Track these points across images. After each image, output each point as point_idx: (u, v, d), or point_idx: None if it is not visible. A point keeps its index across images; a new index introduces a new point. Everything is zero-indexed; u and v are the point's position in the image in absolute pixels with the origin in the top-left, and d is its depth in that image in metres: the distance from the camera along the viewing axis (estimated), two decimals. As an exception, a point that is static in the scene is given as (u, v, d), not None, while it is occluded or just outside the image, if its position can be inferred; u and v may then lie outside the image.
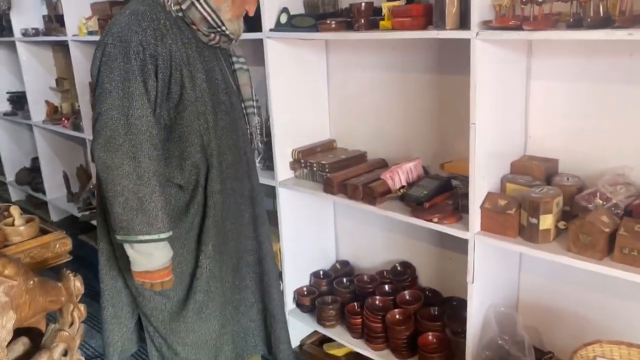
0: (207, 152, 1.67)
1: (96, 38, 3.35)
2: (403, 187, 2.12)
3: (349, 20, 2.14)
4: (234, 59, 1.82)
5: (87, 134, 3.74)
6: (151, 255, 1.55)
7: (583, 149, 1.88)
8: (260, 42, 2.33)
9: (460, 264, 2.05)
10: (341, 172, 2.32)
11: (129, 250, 1.56)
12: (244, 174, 1.82)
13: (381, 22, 1.94)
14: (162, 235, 1.55)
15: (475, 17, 1.67)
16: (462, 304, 2.06)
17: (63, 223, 4.43)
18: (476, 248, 1.86)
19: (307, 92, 2.52)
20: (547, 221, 1.70)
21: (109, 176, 1.48)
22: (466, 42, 1.69)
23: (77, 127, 3.81)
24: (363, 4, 2.02)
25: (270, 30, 2.30)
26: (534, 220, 1.71)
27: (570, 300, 2.00)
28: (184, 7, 1.59)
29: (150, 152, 1.52)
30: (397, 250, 2.57)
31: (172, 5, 1.60)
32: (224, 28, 1.65)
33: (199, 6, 1.60)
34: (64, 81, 4.22)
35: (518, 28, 1.58)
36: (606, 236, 1.58)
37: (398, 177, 2.14)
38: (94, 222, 3.91)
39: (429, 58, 2.22)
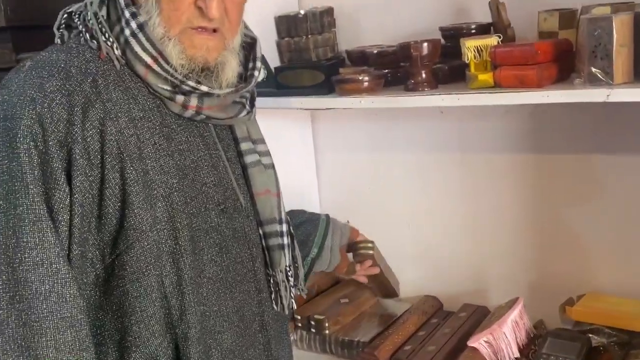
0: (176, 332, 1.17)
1: None
2: (518, 360, 1.54)
3: (386, 73, 1.65)
4: (245, 145, 1.30)
5: None
6: None
7: None
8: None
9: None
10: (382, 337, 1.71)
11: None
12: None
13: (479, 76, 1.41)
14: None
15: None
16: None
17: None
18: None
19: (288, 191, 1.91)
20: None
21: None
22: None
23: None
24: (426, 44, 1.50)
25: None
26: None
27: None
28: (124, 48, 1.14)
29: (60, 335, 1.08)
30: None
31: (113, 47, 1.14)
32: (179, 76, 1.13)
33: (135, 44, 1.12)
34: None
35: None
36: None
37: (505, 342, 1.55)
38: None
39: (513, 127, 1.74)
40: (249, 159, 1.29)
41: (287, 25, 1.77)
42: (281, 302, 1.32)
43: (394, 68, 1.64)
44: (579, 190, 1.68)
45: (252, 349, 1.28)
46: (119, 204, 1.10)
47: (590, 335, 1.57)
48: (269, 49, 1.79)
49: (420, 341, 1.66)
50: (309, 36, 1.75)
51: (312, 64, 1.71)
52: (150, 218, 1.12)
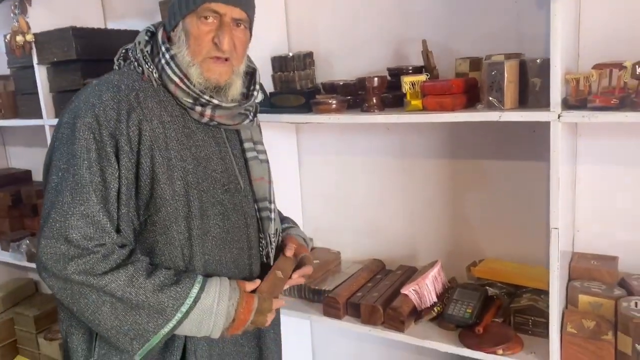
0: (188, 271, 1.16)
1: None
2: (436, 304, 1.56)
3: (348, 99, 1.62)
4: (247, 145, 1.30)
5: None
6: (201, 323, 1.11)
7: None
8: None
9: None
10: (341, 287, 1.70)
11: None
12: None
13: (412, 102, 1.42)
14: (184, 308, 1.09)
15: (556, 94, 1.22)
16: None
17: None
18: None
19: (277, 184, 1.89)
20: (662, 347, 1.24)
21: (69, 298, 1.07)
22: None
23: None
24: (376, 79, 1.51)
25: (241, 111, 1.66)
26: (644, 348, 1.24)
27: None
28: (160, 73, 1.17)
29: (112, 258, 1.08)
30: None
31: (152, 72, 1.16)
32: (198, 91, 1.15)
33: (167, 69, 1.16)
34: None
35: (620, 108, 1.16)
36: None
37: (427, 290, 1.57)
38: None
39: (438, 140, 1.75)
40: (249, 154, 1.29)
41: (279, 63, 1.76)
42: (267, 256, 1.30)
43: (354, 95, 1.64)
44: (480, 184, 1.69)
45: None
46: (149, 180, 1.11)
47: (487, 287, 1.58)
48: (266, 79, 1.75)
49: (368, 290, 1.66)
50: (295, 71, 1.73)
51: (297, 91, 1.70)
52: (171, 191, 1.13)
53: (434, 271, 1.63)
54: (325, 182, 1.99)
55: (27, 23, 2.05)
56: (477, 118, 1.32)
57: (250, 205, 1.28)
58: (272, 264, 1.31)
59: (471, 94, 1.43)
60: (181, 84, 1.14)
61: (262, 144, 1.35)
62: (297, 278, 1.32)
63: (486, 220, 1.71)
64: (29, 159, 2.84)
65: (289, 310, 1.71)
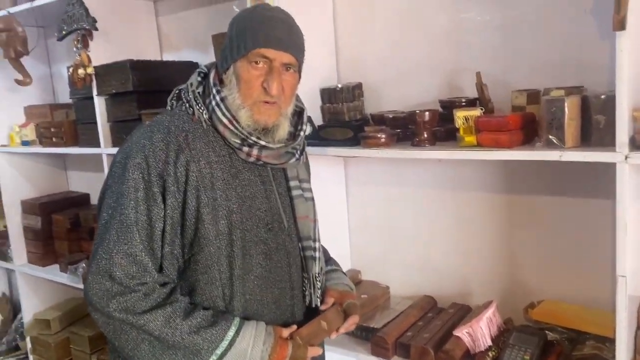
0: (228, 311, 1.17)
1: (33, 149, 2.55)
2: (490, 348, 1.49)
3: (398, 132, 1.60)
4: (293, 183, 1.29)
5: (16, 264, 2.82)
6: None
7: None
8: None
9: None
10: (391, 325, 1.66)
11: None
12: None
13: (466, 138, 1.38)
14: (219, 351, 1.09)
15: (622, 133, 1.15)
16: None
17: (-21, 371, 3.32)
18: None
19: (324, 215, 1.88)
20: None
21: (112, 333, 1.10)
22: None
23: (3, 255, 2.88)
24: (427, 113, 1.47)
25: (289, 144, 1.67)
26: None
27: None
28: (211, 114, 1.18)
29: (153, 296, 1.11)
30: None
31: (202, 113, 1.18)
32: (246, 133, 1.16)
33: (218, 111, 1.17)
34: (-14, 196, 3.28)
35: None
36: None
37: (481, 333, 1.51)
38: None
39: (493, 174, 1.69)
40: (294, 192, 1.28)
41: (328, 95, 1.75)
42: (310, 297, 1.29)
43: (404, 129, 1.61)
44: (538, 220, 1.62)
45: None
46: (194, 219, 1.13)
47: (547, 331, 1.50)
48: (315, 111, 1.76)
49: (418, 329, 1.61)
50: (344, 103, 1.71)
51: (344, 123, 1.68)
52: (214, 231, 1.13)
53: (489, 312, 1.57)
54: (374, 214, 1.96)
55: (88, 57, 2.15)
56: (536, 157, 1.27)
57: (293, 245, 1.27)
58: (317, 304, 1.29)
59: (529, 129, 1.37)
60: (230, 125, 1.16)
61: (308, 182, 1.34)
62: (343, 330, 1.29)
63: (545, 259, 1.62)
64: (87, 183, 2.96)
65: (334, 347, 1.68)
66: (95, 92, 2.19)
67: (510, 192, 1.67)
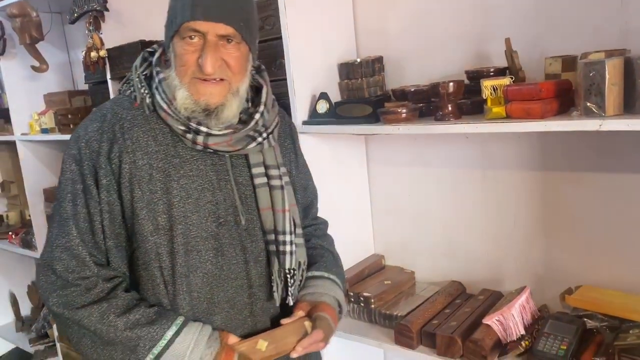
0: (173, 310, 1.12)
1: (52, 137, 2.55)
2: (523, 337, 1.39)
3: (421, 106, 1.50)
4: (256, 170, 1.17)
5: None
6: None
7: None
8: (288, 138, 1.61)
9: None
10: (415, 312, 1.58)
11: None
12: None
13: (494, 109, 1.27)
14: (155, 350, 1.04)
15: (673, 97, 1.02)
16: None
17: (9, 358, 3.39)
18: None
19: (346, 197, 1.82)
20: None
21: (60, 325, 1.11)
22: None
23: (28, 244, 2.90)
24: (452, 83, 1.37)
25: (305, 123, 1.61)
26: None
27: None
28: (153, 98, 1.11)
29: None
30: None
31: (146, 97, 1.10)
32: (184, 117, 1.08)
33: (157, 94, 1.10)
34: (11, 185, 3.32)
35: None
36: None
37: (513, 322, 1.41)
38: (51, 361, 2.98)
39: (526, 149, 1.58)
40: (257, 181, 1.16)
41: (346, 70, 1.67)
42: (284, 295, 1.18)
43: (427, 103, 1.51)
44: (577, 199, 1.50)
45: (241, 329, 1.15)
46: (130, 214, 1.08)
47: (585, 319, 1.39)
48: (333, 88, 1.70)
49: (445, 317, 1.53)
50: (363, 78, 1.63)
51: (363, 99, 1.58)
52: (151, 226, 1.08)
53: (522, 299, 1.47)
54: (397, 196, 1.87)
55: (100, 39, 2.11)
56: (572, 127, 1.15)
57: (254, 239, 1.16)
58: (280, 300, 1.18)
59: (564, 98, 1.26)
60: (169, 110, 1.08)
61: (277, 167, 1.18)
62: (301, 350, 1.11)
63: (584, 241, 1.51)
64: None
65: (356, 336, 1.61)
66: (109, 76, 2.15)
67: (544, 170, 1.55)
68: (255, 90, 1.18)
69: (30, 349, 3.15)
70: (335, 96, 1.69)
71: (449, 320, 1.51)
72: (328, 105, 1.57)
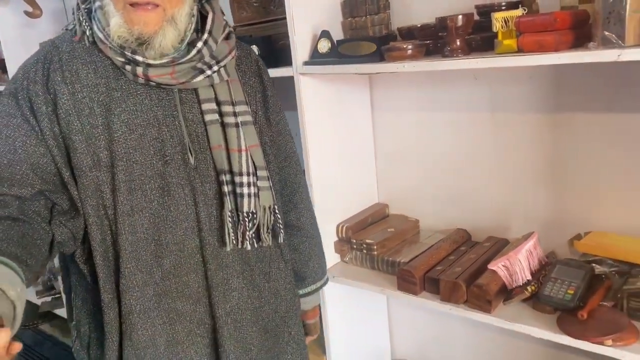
0: (114, 250, 1.09)
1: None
2: (529, 282, 1.37)
3: (427, 43, 1.42)
4: (206, 106, 1.10)
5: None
6: None
7: None
8: (288, 80, 1.56)
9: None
10: (419, 259, 1.55)
11: None
12: (196, 291, 1.13)
13: (505, 42, 1.21)
14: None
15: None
16: None
17: (18, 310, 3.45)
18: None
19: (349, 143, 1.77)
20: None
21: None
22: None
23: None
24: (460, 17, 1.30)
25: (306, 63, 1.54)
26: None
27: None
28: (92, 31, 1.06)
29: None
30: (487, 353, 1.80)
31: (87, 29, 1.06)
32: (117, 46, 1.02)
33: (94, 24, 1.05)
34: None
35: None
36: None
37: (519, 267, 1.38)
38: (58, 312, 3.02)
39: (537, 89, 1.51)
40: (207, 117, 1.10)
41: (350, 7, 1.60)
42: (232, 239, 1.10)
43: (435, 39, 1.44)
44: (589, 141, 1.44)
45: (193, 274, 1.11)
46: (68, 147, 1.04)
47: (594, 264, 1.37)
48: (336, 28, 1.63)
49: (449, 264, 1.50)
50: (367, 16, 1.56)
51: (367, 37, 1.51)
52: (90, 161, 1.04)
53: (529, 244, 1.44)
54: (402, 141, 1.81)
55: None
56: (588, 59, 1.08)
57: (206, 180, 1.10)
58: (232, 243, 1.11)
59: (581, 30, 1.19)
60: (106, 41, 1.02)
61: (231, 104, 1.11)
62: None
63: (594, 185, 1.46)
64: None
65: (359, 282, 1.60)
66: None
67: (555, 111, 1.49)
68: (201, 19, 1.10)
69: (37, 300, 3.20)
70: (338, 36, 1.62)
71: (453, 266, 1.49)
72: (330, 44, 1.50)
